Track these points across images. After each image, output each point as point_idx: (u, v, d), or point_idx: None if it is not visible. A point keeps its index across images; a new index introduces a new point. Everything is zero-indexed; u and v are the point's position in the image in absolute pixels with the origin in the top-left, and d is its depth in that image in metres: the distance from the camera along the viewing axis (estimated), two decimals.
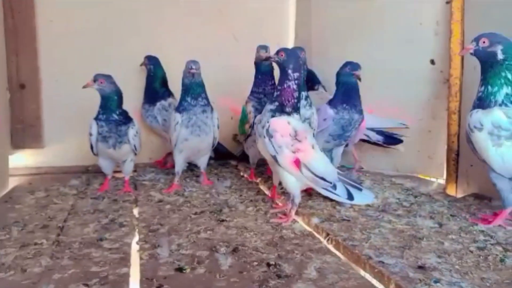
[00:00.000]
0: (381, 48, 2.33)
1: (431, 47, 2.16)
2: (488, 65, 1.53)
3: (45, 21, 2.45)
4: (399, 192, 1.98)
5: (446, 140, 2.07)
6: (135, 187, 2.17)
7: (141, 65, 2.51)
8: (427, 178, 2.27)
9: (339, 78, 2.09)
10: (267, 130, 1.64)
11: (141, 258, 1.33)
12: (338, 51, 2.54)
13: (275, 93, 1.70)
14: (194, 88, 2.02)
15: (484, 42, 1.53)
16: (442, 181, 2.16)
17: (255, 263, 1.28)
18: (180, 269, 1.24)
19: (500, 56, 1.49)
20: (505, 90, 1.49)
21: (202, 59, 2.35)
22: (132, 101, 2.55)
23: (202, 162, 2.17)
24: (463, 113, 1.99)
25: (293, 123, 1.66)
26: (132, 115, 2.09)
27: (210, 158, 2.55)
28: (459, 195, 1.99)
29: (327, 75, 2.56)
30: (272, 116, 1.67)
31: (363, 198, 1.81)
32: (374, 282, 1.20)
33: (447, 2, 2.07)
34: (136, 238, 1.53)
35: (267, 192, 2.10)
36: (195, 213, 1.76)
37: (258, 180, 2.27)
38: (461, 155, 2.01)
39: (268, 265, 1.27)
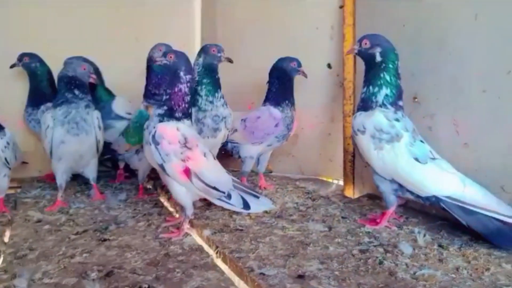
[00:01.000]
0: (282, 52, 2.31)
1: (327, 51, 2.20)
2: (370, 66, 1.56)
3: None
4: (299, 196, 1.98)
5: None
6: (14, 205, 1.92)
7: (12, 66, 2.20)
8: (329, 180, 2.30)
9: (280, 72, 1.98)
10: (153, 136, 1.52)
11: None
12: (243, 54, 2.49)
13: (164, 97, 1.58)
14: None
15: (365, 43, 1.56)
16: (341, 182, 2.20)
17: None
18: None
19: (378, 58, 1.53)
20: (385, 91, 1.52)
21: (100, 61, 2.25)
22: (17, 105, 2.32)
23: (90, 171, 1.96)
24: None
25: (182, 129, 1.55)
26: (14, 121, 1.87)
27: (107, 167, 2.38)
28: (356, 196, 2.03)
29: (235, 78, 2.52)
30: (160, 121, 1.56)
31: (260, 205, 1.76)
32: None
33: (340, 7, 2.11)
34: None
35: (166, 203, 1.98)
36: (76, 233, 1.59)
37: (153, 192, 2.14)
38: (357, 156, 2.05)
39: None
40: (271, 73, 2.02)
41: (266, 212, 1.75)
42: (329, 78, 2.21)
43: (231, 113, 1.93)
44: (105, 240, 1.52)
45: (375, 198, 1.90)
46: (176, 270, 1.28)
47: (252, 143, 2.02)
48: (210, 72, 1.87)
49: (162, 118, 1.56)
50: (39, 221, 1.72)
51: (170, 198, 1.98)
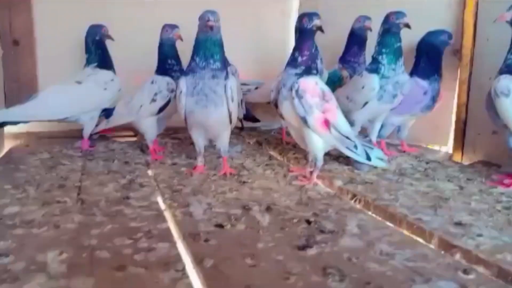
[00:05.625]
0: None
1: (444, 18, 2.17)
2: None
3: None
4: (410, 159, 2.02)
5: (454, 109, 2.12)
6: (142, 150, 2.09)
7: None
8: (431, 147, 2.33)
9: (428, 46, 2.01)
10: (297, 91, 1.61)
11: (174, 216, 1.29)
12: (346, 20, 2.51)
13: (299, 59, 1.64)
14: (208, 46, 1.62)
15: None
16: (446, 149, 2.23)
17: (294, 220, 1.27)
18: (220, 226, 1.22)
19: None
20: None
21: None
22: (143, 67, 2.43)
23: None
24: (472, 83, 2.04)
25: (320, 84, 1.66)
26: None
27: None
28: (465, 163, 2.05)
29: (335, 43, 2.55)
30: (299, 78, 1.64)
31: (377, 160, 1.82)
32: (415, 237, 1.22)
33: None
34: (161, 198, 1.49)
35: (278, 157, 2.08)
36: (214, 175, 1.72)
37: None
38: (468, 124, 2.07)
39: (308, 222, 1.26)
40: (418, 47, 2.05)
41: (384, 169, 1.80)
42: None
43: (408, 79, 1.95)
44: (244, 182, 1.64)
45: (491, 165, 1.91)
46: (329, 210, 1.37)
47: (399, 114, 2.07)
48: (390, 39, 1.86)
49: (300, 76, 1.64)
50: (174, 164, 1.87)
51: (282, 153, 2.09)
